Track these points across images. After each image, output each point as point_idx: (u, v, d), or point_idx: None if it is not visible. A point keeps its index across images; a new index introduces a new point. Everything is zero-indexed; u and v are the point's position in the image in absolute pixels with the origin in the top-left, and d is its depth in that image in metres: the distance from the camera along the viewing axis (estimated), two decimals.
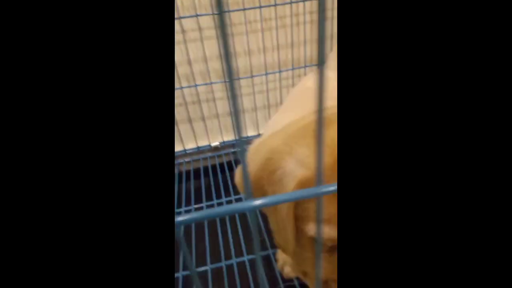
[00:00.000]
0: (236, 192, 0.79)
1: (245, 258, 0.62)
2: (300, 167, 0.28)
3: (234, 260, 0.62)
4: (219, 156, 0.95)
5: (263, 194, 0.30)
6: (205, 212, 0.17)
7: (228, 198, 0.79)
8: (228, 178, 0.84)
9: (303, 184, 0.27)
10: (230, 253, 0.63)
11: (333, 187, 0.18)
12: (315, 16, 0.85)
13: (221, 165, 0.92)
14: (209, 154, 0.95)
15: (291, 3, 0.80)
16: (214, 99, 0.88)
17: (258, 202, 0.17)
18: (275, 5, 0.80)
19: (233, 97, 0.14)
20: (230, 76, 0.13)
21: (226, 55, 0.12)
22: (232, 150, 0.95)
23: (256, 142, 0.36)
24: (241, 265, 0.61)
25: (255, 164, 0.31)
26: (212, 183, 0.84)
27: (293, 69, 0.91)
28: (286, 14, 0.83)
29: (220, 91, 0.88)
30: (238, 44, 0.83)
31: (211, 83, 0.86)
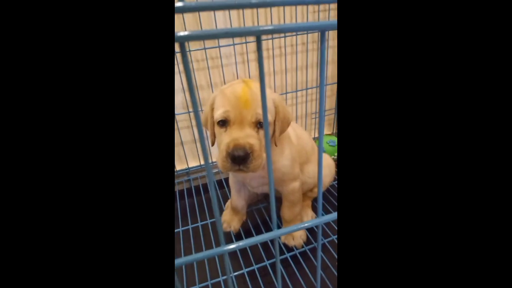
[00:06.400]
0: None
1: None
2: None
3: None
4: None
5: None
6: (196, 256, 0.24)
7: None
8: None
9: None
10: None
11: None
12: (316, 45, 0.95)
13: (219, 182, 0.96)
14: (213, 170, 0.99)
15: (296, 34, 0.90)
16: None
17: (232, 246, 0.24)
18: (285, 36, 0.89)
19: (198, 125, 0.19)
20: (195, 107, 0.18)
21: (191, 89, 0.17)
22: None
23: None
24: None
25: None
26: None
27: (297, 91, 0.99)
28: (293, 43, 0.92)
29: None
30: (252, 69, 0.91)
31: None
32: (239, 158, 0.44)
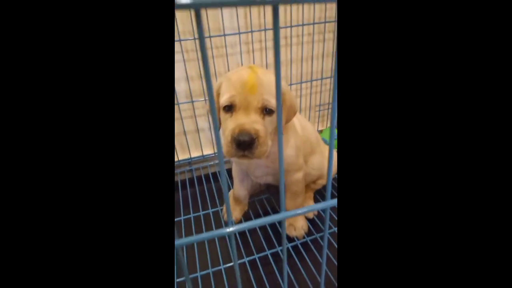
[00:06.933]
0: None
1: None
2: None
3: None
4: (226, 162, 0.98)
5: None
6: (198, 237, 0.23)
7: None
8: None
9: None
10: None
11: None
12: (322, 36, 0.94)
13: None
14: (215, 161, 0.99)
15: (303, 25, 0.89)
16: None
17: (234, 227, 0.23)
18: (291, 26, 0.88)
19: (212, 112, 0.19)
20: (210, 95, 0.18)
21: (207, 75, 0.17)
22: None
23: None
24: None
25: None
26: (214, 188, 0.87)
27: (301, 82, 0.98)
28: (299, 34, 0.91)
29: None
30: (257, 59, 0.90)
31: None
32: (244, 143, 0.44)
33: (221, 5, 0.16)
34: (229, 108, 0.48)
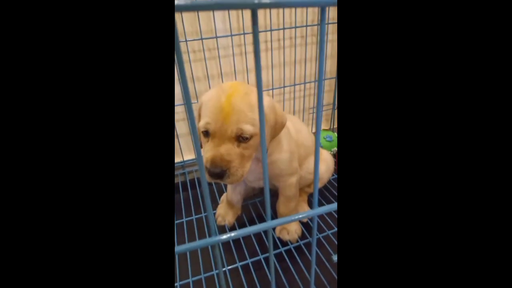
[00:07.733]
0: None
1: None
2: None
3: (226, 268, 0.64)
4: None
5: None
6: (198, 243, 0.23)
7: None
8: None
9: None
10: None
11: None
12: (315, 38, 0.94)
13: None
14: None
15: (295, 27, 0.89)
16: None
17: (224, 236, 0.23)
18: (284, 28, 0.87)
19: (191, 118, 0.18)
20: (188, 99, 0.18)
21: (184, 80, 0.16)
22: None
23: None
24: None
25: None
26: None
27: (294, 85, 0.98)
28: (292, 36, 0.91)
29: None
30: (250, 61, 0.89)
31: None
32: (216, 175, 0.46)
33: (198, 8, 0.16)
34: (206, 133, 0.48)
